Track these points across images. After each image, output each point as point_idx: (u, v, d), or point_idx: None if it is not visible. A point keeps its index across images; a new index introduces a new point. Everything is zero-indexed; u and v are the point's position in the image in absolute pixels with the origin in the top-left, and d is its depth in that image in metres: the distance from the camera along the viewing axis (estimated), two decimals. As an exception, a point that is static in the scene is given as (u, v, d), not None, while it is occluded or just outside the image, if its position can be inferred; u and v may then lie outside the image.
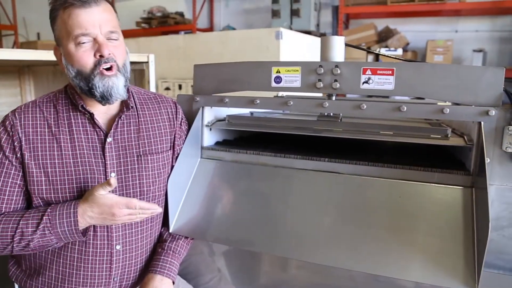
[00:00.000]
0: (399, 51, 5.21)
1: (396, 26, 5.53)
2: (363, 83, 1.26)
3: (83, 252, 1.21)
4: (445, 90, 1.18)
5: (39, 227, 1.12)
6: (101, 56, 1.15)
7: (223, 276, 1.48)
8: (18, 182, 1.19)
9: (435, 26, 5.56)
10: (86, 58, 1.15)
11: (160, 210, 1.20)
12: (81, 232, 1.15)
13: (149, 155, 1.29)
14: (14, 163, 1.18)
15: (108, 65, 1.16)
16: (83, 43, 1.14)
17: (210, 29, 7.27)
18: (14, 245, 1.12)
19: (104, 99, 1.18)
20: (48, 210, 1.14)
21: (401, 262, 1.11)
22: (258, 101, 1.38)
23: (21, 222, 1.13)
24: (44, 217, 1.12)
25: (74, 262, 1.21)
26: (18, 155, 1.18)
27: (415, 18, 5.61)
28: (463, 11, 5.26)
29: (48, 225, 1.12)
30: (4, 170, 1.18)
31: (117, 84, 1.18)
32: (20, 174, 1.19)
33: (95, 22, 1.14)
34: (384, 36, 5.49)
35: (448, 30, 5.50)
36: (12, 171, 1.18)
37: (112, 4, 1.23)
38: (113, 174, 1.22)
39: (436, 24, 5.56)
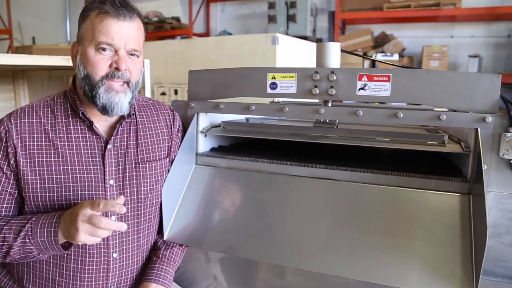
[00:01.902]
0: (395, 57, 5.24)
1: (392, 32, 5.55)
2: (359, 89, 1.25)
3: (79, 261, 1.19)
4: (441, 97, 1.18)
5: (21, 234, 1.08)
6: (116, 69, 1.15)
7: (219, 283, 1.46)
8: (9, 190, 1.17)
9: (431, 32, 5.60)
10: (101, 65, 1.15)
11: (123, 210, 1.06)
12: (62, 245, 1.09)
13: (147, 163, 1.28)
14: (5, 171, 1.16)
15: (120, 82, 1.16)
16: (104, 50, 1.14)
17: (207, 34, 7.27)
18: None
19: (105, 111, 1.17)
20: (33, 218, 1.10)
21: (398, 270, 1.10)
22: (253, 107, 1.37)
23: (5, 227, 1.10)
24: (27, 225, 1.09)
25: (71, 271, 1.19)
26: (12, 162, 1.15)
27: (411, 23, 5.64)
28: (458, 17, 5.30)
29: (29, 233, 1.08)
30: None
31: (122, 101, 1.17)
32: (11, 182, 1.16)
33: (122, 36, 1.14)
34: (380, 42, 5.52)
35: (444, 36, 5.53)
36: (3, 179, 1.16)
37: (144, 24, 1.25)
38: (111, 181, 1.21)
39: (432, 29, 5.59)
